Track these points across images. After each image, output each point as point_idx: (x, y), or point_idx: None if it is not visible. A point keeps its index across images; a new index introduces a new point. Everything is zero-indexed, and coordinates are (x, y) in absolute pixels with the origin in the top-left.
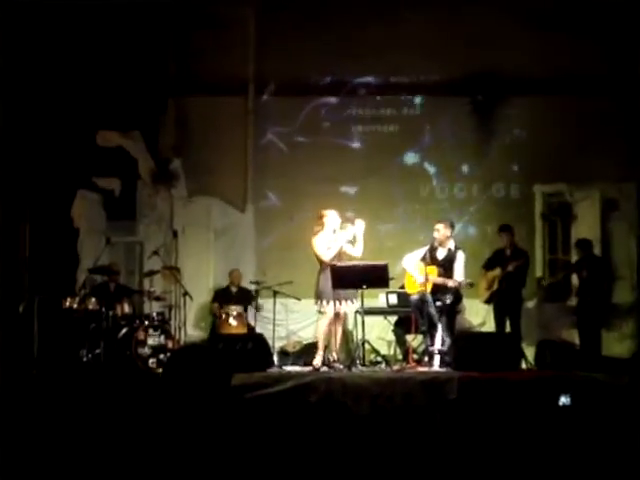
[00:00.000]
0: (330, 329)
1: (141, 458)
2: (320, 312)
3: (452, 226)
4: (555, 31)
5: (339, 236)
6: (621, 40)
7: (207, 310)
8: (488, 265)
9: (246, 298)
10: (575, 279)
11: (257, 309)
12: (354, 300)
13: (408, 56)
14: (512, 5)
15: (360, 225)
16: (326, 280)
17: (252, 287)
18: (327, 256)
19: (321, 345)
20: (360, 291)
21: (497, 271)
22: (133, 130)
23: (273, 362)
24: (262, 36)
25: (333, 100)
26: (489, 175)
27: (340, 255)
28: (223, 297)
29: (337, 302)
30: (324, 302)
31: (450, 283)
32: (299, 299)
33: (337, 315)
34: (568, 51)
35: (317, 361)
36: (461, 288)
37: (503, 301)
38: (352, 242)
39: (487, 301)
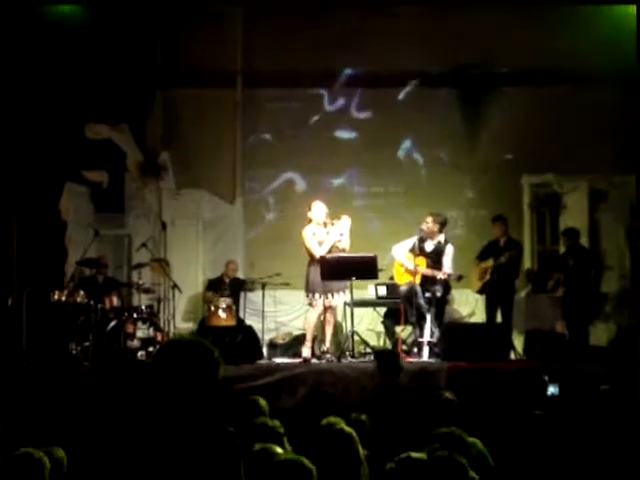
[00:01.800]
0: (319, 321)
1: (131, 450)
2: (311, 305)
3: (444, 223)
4: (545, 22)
5: (330, 233)
6: (611, 31)
7: (196, 302)
8: (481, 256)
9: (238, 288)
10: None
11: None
12: (345, 291)
13: (398, 47)
14: None
15: (346, 221)
16: (316, 273)
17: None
18: (319, 252)
19: (309, 337)
20: (350, 282)
21: (490, 262)
22: (121, 123)
23: (262, 354)
24: (250, 28)
25: (322, 92)
26: (478, 166)
27: (330, 249)
28: (216, 286)
29: (328, 295)
30: (316, 295)
31: (439, 275)
32: (288, 284)
33: (329, 307)
34: (558, 42)
35: (305, 353)
36: (450, 280)
37: (495, 292)
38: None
39: (479, 292)
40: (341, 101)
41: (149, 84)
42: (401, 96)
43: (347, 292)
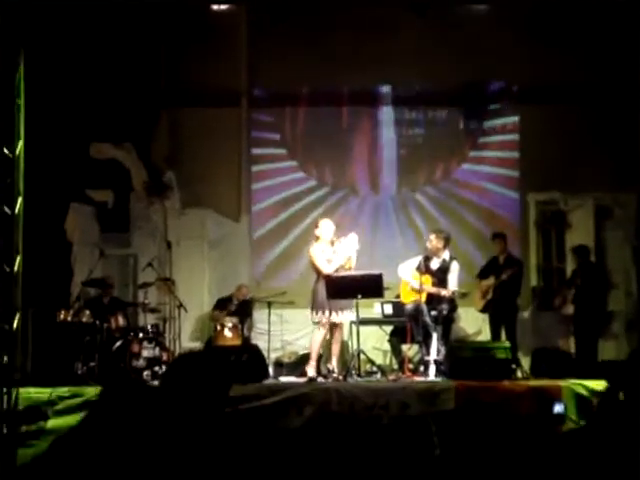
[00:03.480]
0: (324, 340)
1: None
2: (318, 323)
3: (447, 239)
4: (548, 41)
5: (339, 251)
6: (614, 49)
7: (202, 322)
8: (482, 274)
9: (245, 311)
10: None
11: (250, 327)
12: (352, 309)
13: (403, 66)
14: (506, 17)
15: (353, 239)
16: (322, 290)
17: (248, 296)
18: (328, 269)
19: (314, 356)
20: (355, 301)
21: (491, 280)
22: (126, 142)
23: (268, 373)
24: (254, 47)
25: (326, 110)
26: (483, 183)
27: (337, 267)
28: (224, 306)
29: (335, 313)
30: (320, 313)
31: (444, 292)
32: (294, 302)
33: (334, 325)
34: (561, 60)
35: (311, 372)
36: (455, 297)
37: (498, 310)
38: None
39: (482, 310)
40: (345, 119)
41: (154, 103)
42: (406, 114)
43: (353, 310)
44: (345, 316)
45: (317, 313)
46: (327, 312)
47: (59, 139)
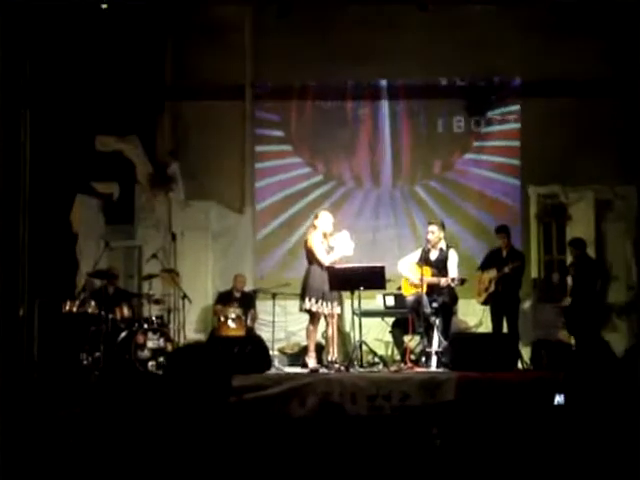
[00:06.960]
0: (316, 331)
1: (138, 461)
2: (308, 311)
3: (444, 226)
4: (549, 34)
5: (337, 246)
6: (616, 42)
7: (206, 313)
8: (483, 266)
9: (247, 302)
10: (570, 279)
11: (254, 318)
12: (336, 303)
13: (405, 60)
14: (507, 10)
15: (345, 235)
16: (315, 279)
17: (251, 288)
18: (327, 260)
19: (311, 347)
20: (344, 295)
21: (493, 272)
22: (131, 134)
23: (271, 364)
24: (259, 41)
25: (331, 103)
26: (483, 176)
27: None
28: (226, 300)
29: (328, 302)
30: (312, 300)
31: (443, 281)
32: (297, 294)
33: (329, 315)
34: (562, 54)
35: (311, 363)
36: (454, 285)
37: (500, 302)
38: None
39: (484, 302)
40: (350, 113)
41: (158, 95)
42: (410, 108)
43: (338, 305)
44: (335, 308)
45: (310, 300)
46: (320, 301)
47: (65, 132)
